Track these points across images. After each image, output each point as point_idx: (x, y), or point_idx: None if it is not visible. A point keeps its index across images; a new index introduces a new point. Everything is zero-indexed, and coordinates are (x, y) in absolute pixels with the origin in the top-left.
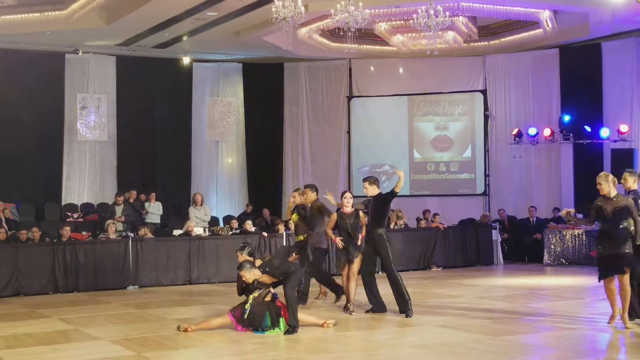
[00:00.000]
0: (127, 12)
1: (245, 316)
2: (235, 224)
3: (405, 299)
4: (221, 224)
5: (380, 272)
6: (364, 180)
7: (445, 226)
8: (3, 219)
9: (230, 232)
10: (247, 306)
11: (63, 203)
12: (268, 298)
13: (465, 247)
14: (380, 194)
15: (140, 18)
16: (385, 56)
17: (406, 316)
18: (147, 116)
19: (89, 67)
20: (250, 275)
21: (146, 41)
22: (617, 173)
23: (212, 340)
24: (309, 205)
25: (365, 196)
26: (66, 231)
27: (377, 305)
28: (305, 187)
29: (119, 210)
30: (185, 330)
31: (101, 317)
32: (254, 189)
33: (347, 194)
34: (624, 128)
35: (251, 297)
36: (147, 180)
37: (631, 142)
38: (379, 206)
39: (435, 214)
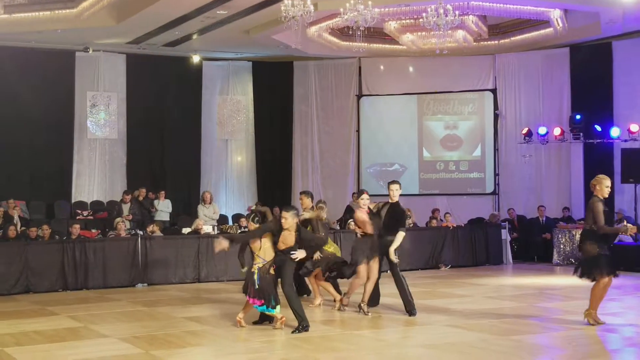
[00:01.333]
0: (137, 11)
1: (256, 287)
2: (244, 222)
3: (409, 299)
4: (230, 222)
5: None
6: (395, 182)
7: (455, 225)
8: (15, 216)
9: (239, 231)
10: (255, 276)
11: (73, 201)
12: (272, 271)
13: (475, 247)
14: (398, 202)
15: (150, 16)
16: (394, 55)
17: (410, 315)
18: (156, 114)
19: (99, 65)
20: (291, 221)
21: (156, 39)
22: (627, 173)
23: (220, 338)
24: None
25: (378, 195)
26: (76, 229)
27: (372, 299)
28: (301, 193)
29: (125, 208)
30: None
31: (110, 314)
32: (263, 188)
33: (365, 195)
34: (634, 128)
35: (255, 267)
36: (156, 178)
37: None
38: (398, 216)
39: (446, 213)
